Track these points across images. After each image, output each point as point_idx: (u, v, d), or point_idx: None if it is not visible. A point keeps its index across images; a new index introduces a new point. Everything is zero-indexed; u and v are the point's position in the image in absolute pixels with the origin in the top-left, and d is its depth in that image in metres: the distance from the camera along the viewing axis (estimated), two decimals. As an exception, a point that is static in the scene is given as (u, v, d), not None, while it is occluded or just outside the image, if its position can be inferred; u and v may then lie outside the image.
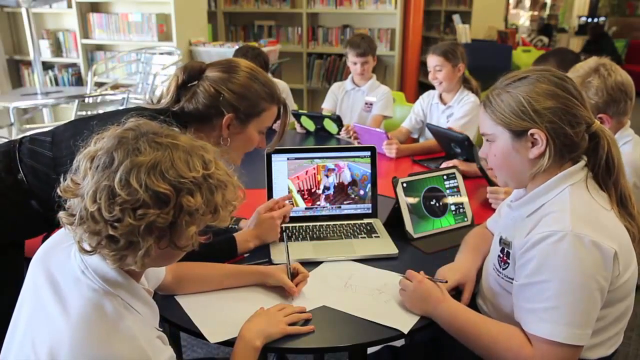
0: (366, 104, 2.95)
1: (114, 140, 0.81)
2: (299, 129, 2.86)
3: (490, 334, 1.07)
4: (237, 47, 2.99)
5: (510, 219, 1.19)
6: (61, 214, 0.82)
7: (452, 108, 2.55)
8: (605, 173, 1.09)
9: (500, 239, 1.17)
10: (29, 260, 1.44)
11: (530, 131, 1.05)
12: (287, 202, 1.54)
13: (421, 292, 1.17)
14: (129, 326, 0.82)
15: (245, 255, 1.41)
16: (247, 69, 1.37)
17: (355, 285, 1.30)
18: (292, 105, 3.07)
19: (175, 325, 1.16)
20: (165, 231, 0.80)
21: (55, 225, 1.38)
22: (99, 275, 0.84)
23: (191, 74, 1.37)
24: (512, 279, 1.10)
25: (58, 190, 0.82)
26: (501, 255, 1.16)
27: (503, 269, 1.14)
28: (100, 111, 3.26)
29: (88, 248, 0.80)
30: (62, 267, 0.87)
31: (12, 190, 1.27)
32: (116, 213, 0.76)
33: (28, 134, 1.39)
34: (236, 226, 1.53)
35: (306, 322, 1.15)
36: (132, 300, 0.87)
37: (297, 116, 2.81)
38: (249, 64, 1.39)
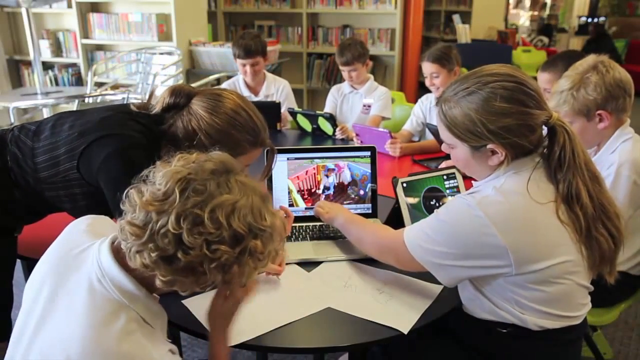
0: (364, 106, 2.94)
1: (205, 169, 0.83)
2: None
3: (367, 226, 1.37)
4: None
5: None
6: (124, 224, 0.81)
7: None
8: (557, 166, 1.08)
9: None
10: (29, 260, 1.46)
11: (489, 146, 1.08)
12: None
13: (337, 205, 1.52)
14: (141, 342, 0.81)
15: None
16: (231, 111, 1.30)
17: (355, 285, 1.30)
18: (293, 104, 3.06)
19: (175, 325, 1.16)
20: (225, 268, 0.82)
21: (38, 216, 1.42)
22: (115, 285, 0.83)
23: (177, 99, 1.33)
24: None
25: (136, 200, 0.81)
26: None
27: None
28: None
29: (147, 263, 0.80)
30: (76, 274, 0.86)
31: (1, 173, 1.31)
32: (196, 241, 0.78)
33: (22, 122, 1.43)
34: None
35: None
36: (146, 314, 0.86)
37: (294, 114, 2.82)
38: (236, 104, 1.32)
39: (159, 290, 0.90)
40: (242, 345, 1.09)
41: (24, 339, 0.86)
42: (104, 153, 1.22)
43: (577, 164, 1.07)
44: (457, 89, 1.10)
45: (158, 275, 0.81)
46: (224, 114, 1.30)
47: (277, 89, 3.02)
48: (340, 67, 2.89)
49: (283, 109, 2.94)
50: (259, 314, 1.16)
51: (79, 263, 0.87)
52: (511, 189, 1.06)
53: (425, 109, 2.69)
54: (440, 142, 2.33)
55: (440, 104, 1.13)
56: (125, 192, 0.84)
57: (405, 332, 1.12)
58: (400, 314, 1.18)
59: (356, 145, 2.53)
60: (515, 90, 1.05)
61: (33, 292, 0.90)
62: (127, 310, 0.83)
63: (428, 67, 2.47)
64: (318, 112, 2.71)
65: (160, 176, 0.82)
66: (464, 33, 6.46)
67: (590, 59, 1.59)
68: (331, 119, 2.65)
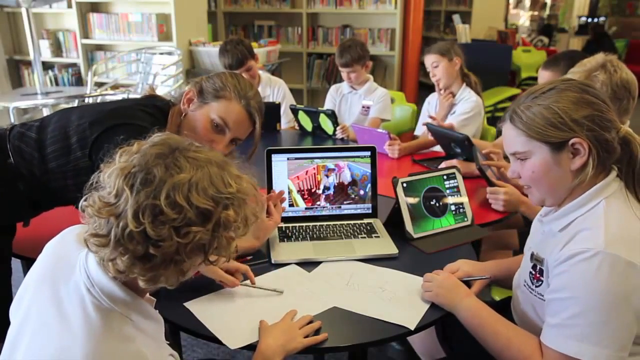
0: (363, 107, 2.94)
1: (149, 156, 0.78)
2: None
3: (506, 335, 1.10)
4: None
5: (540, 234, 1.17)
6: (88, 237, 0.79)
7: (454, 106, 2.57)
8: (638, 180, 1.05)
9: (532, 255, 1.15)
10: (28, 260, 1.46)
11: (571, 141, 1.01)
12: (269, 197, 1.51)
13: (449, 284, 1.21)
14: (139, 349, 0.80)
15: (249, 257, 1.41)
16: (239, 74, 1.47)
17: (357, 284, 1.30)
18: (292, 101, 3.06)
19: (175, 325, 1.15)
20: (205, 247, 0.80)
21: (39, 210, 1.43)
22: (105, 293, 0.81)
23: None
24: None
25: (89, 211, 0.78)
26: (533, 272, 1.14)
27: (536, 287, 1.12)
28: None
29: (121, 269, 0.78)
30: (66, 284, 0.84)
31: (0, 170, 1.33)
32: (162, 232, 0.75)
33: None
34: None
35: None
36: (140, 320, 0.84)
37: (295, 111, 2.81)
38: (245, 78, 1.47)
39: (148, 290, 0.89)
40: (245, 346, 1.08)
41: (18, 351, 0.84)
42: (117, 142, 1.24)
43: None
44: (528, 94, 1.07)
45: (138, 276, 0.79)
46: (232, 72, 1.46)
47: (274, 90, 3.01)
48: (340, 68, 2.89)
49: (283, 109, 2.94)
50: (264, 316, 1.16)
51: (68, 273, 0.85)
52: (621, 212, 1.01)
53: (432, 108, 2.71)
54: (441, 143, 2.35)
55: (510, 113, 1.08)
56: (80, 205, 0.81)
57: (412, 328, 1.12)
58: (405, 310, 1.18)
59: (356, 145, 2.53)
60: (591, 87, 1.05)
61: (25, 304, 0.88)
62: (121, 318, 0.81)
63: (429, 58, 2.56)
64: (320, 108, 2.70)
65: (107, 178, 0.79)
66: (464, 33, 6.46)
67: (600, 57, 1.58)
68: (333, 115, 2.64)
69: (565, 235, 1.05)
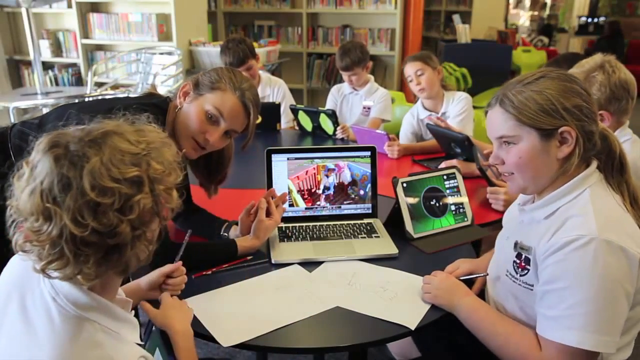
0: (364, 107, 2.94)
1: (49, 165, 0.74)
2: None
3: (504, 333, 1.10)
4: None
5: (518, 222, 1.18)
6: (44, 267, 0.75)
7: (446, 113, 2.54)
8: (618, 172, 1.08)
9: (516, 243, 1.14)
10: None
11: (561, 129, 1.03)
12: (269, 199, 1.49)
13: (447, 285, 1.21)
14: (107, 354, 0.78)
15: (249, 257, 1.41)
16: (237, 69, 1.46)
17: (359, 284, 1.30)
18: (292, 101, 3.06)
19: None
20: (154, 209, 0.79)
21: None
22: (71, 301, 0.79)
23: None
24: (532, 286, 1.08)
25: (29, 247, 0.75)
26: (518, 261, 1.13)
27: (521, 275, 1.11)
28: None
29: (92, 276, 0.76)
30: (32, 294, 0.82)
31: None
32: (110, 221, 0.73)
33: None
34: (227, 234, 1.52)
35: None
36: (109, 322, 0.82)
37: (295, 111, 2.80)
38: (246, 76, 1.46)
39: (113, 292, 0.86)
40: (242, 345, 1.08)
41: None
42: None
43: (629, 167, 1.08)
44: (520, 79, 1.08)
45: (112, 272, 0.78)
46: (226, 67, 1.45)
47: (273, 90, 3.01)
48: (341, 72, 2.89)
49: (283, 109, 2.94)
50: (263, 315, 1.16)
51: (34, 283, 0.83)
52: (606, 200, 1.03)
53: (416, 121, 2.65)
54: (441, 143, 2.35)
55: (500, 97, 1.08)
56: (14, 247, 0.77)
57: (413, 328, 1.12)
58: (406, 310, 1.18)
59: (356, 145, 2.53)
60: (574, 77, 1.07)
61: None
62: (89, 324, 0.79)
63: (412, 67, 2.48)
64: (320, 108, 2.69)
65: (22, 208, 0.74)
66: (464, 33, 6.45)
67: (598, 57, 1.58)
68: (333, 115, 2.64)
69: (552, 222, 1.06)
